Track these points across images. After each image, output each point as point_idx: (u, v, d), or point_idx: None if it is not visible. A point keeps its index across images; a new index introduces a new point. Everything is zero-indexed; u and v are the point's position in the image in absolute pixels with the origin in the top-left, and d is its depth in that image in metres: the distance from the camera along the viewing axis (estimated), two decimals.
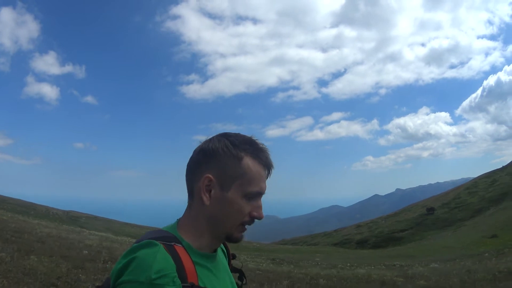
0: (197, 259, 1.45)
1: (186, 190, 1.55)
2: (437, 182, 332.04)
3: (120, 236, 25.57)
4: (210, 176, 1.47)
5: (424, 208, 51.02)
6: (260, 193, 1.51)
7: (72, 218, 39.39)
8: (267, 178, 1.54)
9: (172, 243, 1.42)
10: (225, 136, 1.54)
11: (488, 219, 38.80)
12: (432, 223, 46.31)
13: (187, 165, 1.56)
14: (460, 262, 20.83)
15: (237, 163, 1.48)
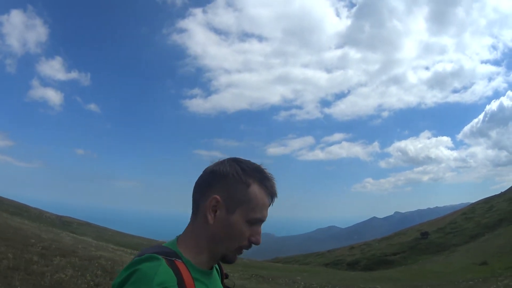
0: (196, 275, 1.52)
1: (191, 207, 1.60)
2: (436, 207, 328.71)
3: (101, 242, 25.09)
4: (217, 197, 1.55)
5: (418, 232, 50.03)
6: (261, 220, 1.57)
7: (64, 223, 40.29)
8: (269, 206, 1.59)
9: (173, 258, 1.50)
10: (236, 161, 1.60)
11: (481, 246, 37.72)
12: (425, 247, 45.30)
13: (196, 184, 1.61)
14: None
15: (245, 189, 1.55)
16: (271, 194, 1.59)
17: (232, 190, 1.55)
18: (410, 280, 27.69)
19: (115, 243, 30.42)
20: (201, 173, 1.61)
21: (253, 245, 1.57)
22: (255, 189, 1.55)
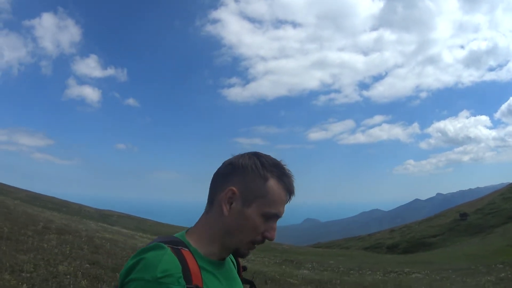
0: (203, 264, 1.51)
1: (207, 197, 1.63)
2: (477, 187, 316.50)
3: (139, 232, 25.91)
4: (234, 189, 1.54)
5: (457, 214, 49.30)
6: (277, 216, 1.57)
7: (103, 216, 40.38)
8: (287, 202, 1.60)
9: (179, 247, 1.49)
10: (256, 155, 1.61)
11: None
12: (464, 229, 44.60)
13: (214, 175, 1.63)
14: (463, 272, 20.37)
15: (263, 183, 1.54)
16: (289, 191, 1.59)
17: (249, 183, 1.55)
18: (442, 263, 27.29)
19: (153, 233, 30.94)
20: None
21: (266, 240, 1.57)
22: (273, 184, 1.55)
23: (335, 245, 60.10)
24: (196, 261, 1.48)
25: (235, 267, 1.72)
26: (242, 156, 1.61)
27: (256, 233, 1.54)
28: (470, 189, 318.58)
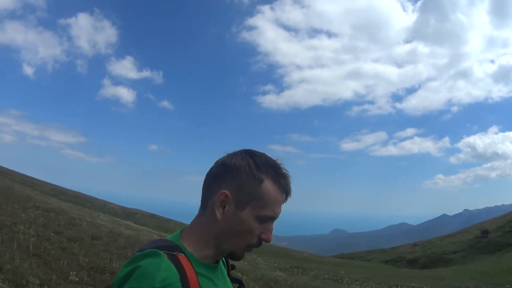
0: (199, 269, 1.45)
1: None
2: (503, 204, 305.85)
3: (160, 231, 26.71)
4: (226, 192, 1.46)
5: (479, 231, 48.85)
6: (273, 218, 1.50)
7: (127, 213, 41.15)
8: (283, 203, 1.53)
9: (175, 253, 1.43)
10: (250, 154, 1.52)
11: None
12: (484, 246, 44.08)
13: (206, 176, 1.55)
14: None
15: (257, 184, 1.46)
16: (285, 191, 1.51)
17: (243, 185, 1.46)
18: (452, 280, 27.27)
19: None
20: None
21: (263, 242, 1.51)
22: (268, 186, 1.47)
23: (358, 256, 60.14)
24: (193, 267, 1.45)
25: (225, 267, 1.69)
26: (234, 155, 1.53)
27: (251, 236, 1.48)
28: (495, 205, 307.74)
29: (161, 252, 1.44)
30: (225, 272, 1.66)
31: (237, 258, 1.55)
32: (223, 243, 1.50)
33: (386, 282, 23.85)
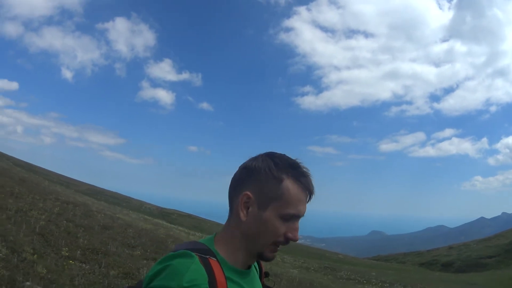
0: (230, 274, 1.48)
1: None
2: None
3: (195, 232, 26.26)
4: (249, 193, 1.52)
5: None
6: (297, 216, 1.54)
7: (163, 213, 42.12)
8: (307, 202, 1.57)
9: (207, 256, 1.47)
10: (270, 156, 1.58)
11: None
12: None
13: (231, 180, 1.62)
14: None
15: (277, 184, 1.51)
16: (307, 189, 1.55)
17: (264, 186, 1.51)
18: (483, 285, 27.34)
19: (209, 232, 32.26)
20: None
21: (291, 241, 1.53)
22: (288, 185, 1.51)
23: (393, 258, 59.42)
24: (223, 272, 1.47)
25: (257, 273, 1.71)
26: (256, 158, 1.59)
27: (277, 235, 1.52)
28: None
29: (193, 253, 1.47)
30: (257, 278, 1.68)
31: (266, 258, 1.57)
32: (250, 244, 1.55)
33: (413, 284, 24.29)
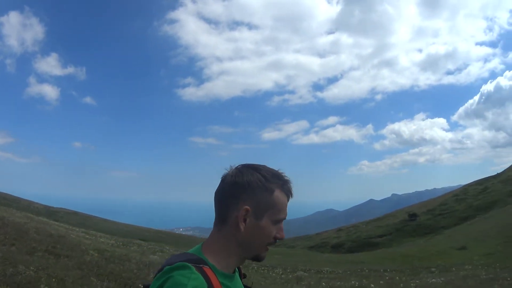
0: (222, 279, 1.57)
1: (215, 215, 1.69)
2: (434, 188, 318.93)
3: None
4: (248, 208, 1.60)
5: (407, 214, 47.22)
6: (285, 219, 1.69)
7: (50, 212, 43.76)
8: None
9: (201, 265, 1.53)
10: (254, 169, 1.66)
11: (467, 229, 34.55)
12: (412, 229, 42.65)
13: (219, 194, 1.68)
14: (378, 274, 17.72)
15: (269, 195, 1.63)
16: (290, 194, 1.69)
17: (258, 198, 1.61)
18: (373, 263, 25.22)
19: (96, 229, 32.11)
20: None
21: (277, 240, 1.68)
22: (278, 194, 1.63)
23: (282, 244, 57.73)
24: (217, 277, 1.54)
25: (239, 275, 1.80)
26: (240, 172, 1.65)
27: (269, 238, 1.64)
28: (426, 190, 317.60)
29: (189, 264, 1.52)
30: (239, 280, 1.76)
31: (261, 259, 1.68)
32: (246, 250, 1.65)
33: (295, 267, 21.85)
